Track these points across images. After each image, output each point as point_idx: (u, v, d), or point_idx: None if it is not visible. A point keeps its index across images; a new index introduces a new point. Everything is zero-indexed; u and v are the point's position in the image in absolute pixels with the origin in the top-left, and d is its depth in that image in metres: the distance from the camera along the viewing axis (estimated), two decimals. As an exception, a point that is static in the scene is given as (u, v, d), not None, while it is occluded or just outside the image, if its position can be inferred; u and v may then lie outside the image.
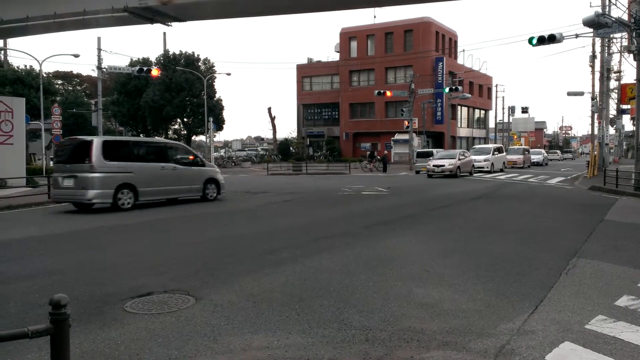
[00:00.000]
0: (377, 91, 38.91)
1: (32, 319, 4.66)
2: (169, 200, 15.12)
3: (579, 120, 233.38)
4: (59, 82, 58.87)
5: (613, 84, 37.90)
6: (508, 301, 5.19)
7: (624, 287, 5.67)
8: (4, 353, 3.88)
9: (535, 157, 43.22)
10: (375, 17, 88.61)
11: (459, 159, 27.69)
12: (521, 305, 5.04)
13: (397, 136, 48.65)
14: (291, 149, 59.02)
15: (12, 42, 48.70)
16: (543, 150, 52.21)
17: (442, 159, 27.92)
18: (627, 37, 26.67)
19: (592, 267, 6.63)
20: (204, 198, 15.57)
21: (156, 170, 14.27)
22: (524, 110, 69.27)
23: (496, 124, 65.63)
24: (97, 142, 13.25)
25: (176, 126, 51.62)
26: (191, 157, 15.88)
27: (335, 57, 58.92)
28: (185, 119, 48.55)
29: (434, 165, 27.50)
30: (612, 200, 15.10)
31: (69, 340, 2.55)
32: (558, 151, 73.54)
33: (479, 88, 61.52)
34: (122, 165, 13.47)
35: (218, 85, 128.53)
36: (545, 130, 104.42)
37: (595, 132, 32.65)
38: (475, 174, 29.13)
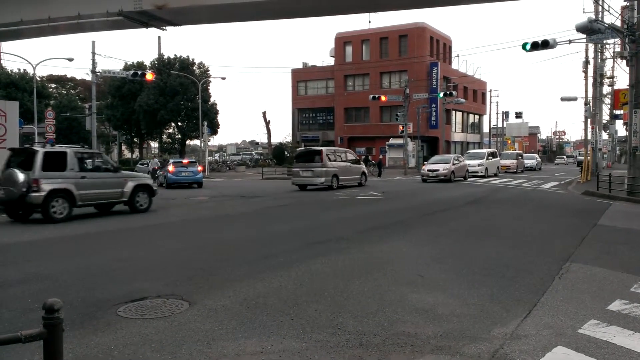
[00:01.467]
0: (371, 96, 38.97)
1: (25, 324, 4.64)
2: (328, 187, 21.95)
3: (572, 126, 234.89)
4: (53, 85, 58.75)
5: (606, 89, 38.19)
6: (502, 306, 5.20)
7: (617, 292, 5.70)
8: (-4, 358, 3.86)
9: (528, 162, 43.38)
10: (370, 22, 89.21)
11: (453, 164, 27.76)
12: (514, 310, 5.06)
13: (392, 141, 48.71)
14: (286, 153, 58.92)
15: (6, 46, 48.62)
16: (536, 155, 52.49)
17: (437, 164, 27.99)
18: (619, 43, 26.90)
19: (585, 272, 6.67)
20: (359, 185, 23.79)
21: (344, 166, 23.38)
22: (518, 115, 69.52)
23: (490, 128, 65.89)
24: (325, 150, 22.79)
25: (170, 130, 51.49)
26: (353, 157, 24.81)
27: (330, 61, 59.02)
28: (179, 123, 48.44)
29: (428, 170, 27.58)
30: (605, 205, 15.18)
31: (62, 345, 2.55)
32: (564, 156, 78.07)
33: (473, 93, 61.76)
34: (334, 164, 22.55)
35: (213, 89, 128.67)
36: (539, 135, 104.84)
37: (589, 137, 32.81)
38: (469, 179, 29.21)
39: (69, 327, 4.30)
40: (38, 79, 39.54)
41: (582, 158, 48.04)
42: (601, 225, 11.17)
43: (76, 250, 8.65)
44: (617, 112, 33.30)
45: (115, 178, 13.87)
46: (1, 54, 42.63)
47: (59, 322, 2.51)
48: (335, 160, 22.76)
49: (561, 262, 7.18)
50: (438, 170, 27.08)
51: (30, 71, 38.95)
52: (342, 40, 56.04)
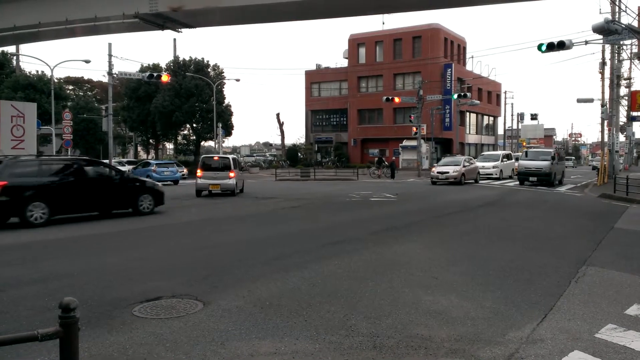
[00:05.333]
0: (385, 97, 38.79)
1: (41, 323, 4.70)
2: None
3: (588, 127, 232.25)
4: (70, 87, 59.38)
5: (623, 90, 37.61)
6: (517, 309, 5.15)
7: (634, 296, 5.61)
8: (14, 356, 3.91)
9: (544, 164, 42.84)
10: (384, 23, 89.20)
11: (464, 166, 27.26)
12: (530, 313, 5.01)
13: (406, 142, 48.55)
14: (299, 154, 59.05)
15: (24, 48, 49.13)
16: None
17: (447, 166, 27.51)
18: (637, 44, 26.55)
19: (602, 276, 6.58)
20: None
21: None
22: (533, 117, 68.90)
23: (505, 130, 65.34)
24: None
25: (185, 131, 51.75)
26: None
27: (344, 63, 58.98)
28: (194, 125, 48.70)
29: (437, 172, 27.20)
30: (622, 208, 14.97)
31: (77, 343, 2.57)
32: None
33: (488, 94, 61.30)
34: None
35: (227, 91, 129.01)
36: (554, 137, 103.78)
37: (605, 139, 32.38)
38: (483, 181, 28.95)
39: (84, 326, 4.34)
40: (55, 80, 39.98)
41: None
42: (618, 228, 11.02)
43: (92, 250, 8.74)
44: (634, 113, 32.78)
45: None
46: (20, 56, 43.17)
47: (75, 321, 2.54)
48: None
49: (577, 266, 7.09)
50: (448, 172, 26.59)
51: (48, 73, 39.52)
52: (356, 42, 55.99)
